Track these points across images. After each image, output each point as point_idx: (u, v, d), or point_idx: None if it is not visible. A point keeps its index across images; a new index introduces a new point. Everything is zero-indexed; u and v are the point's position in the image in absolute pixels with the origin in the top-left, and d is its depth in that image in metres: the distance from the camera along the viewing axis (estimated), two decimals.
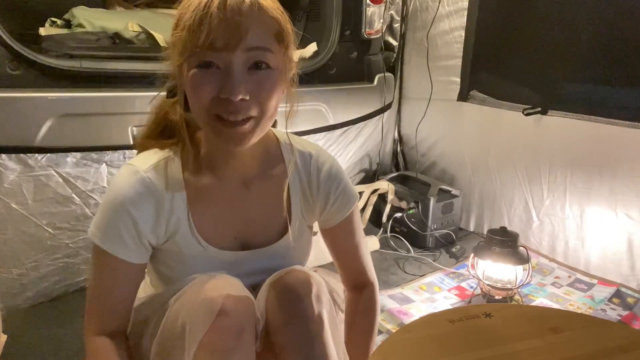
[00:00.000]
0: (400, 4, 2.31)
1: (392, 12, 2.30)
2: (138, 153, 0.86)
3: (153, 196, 0.79)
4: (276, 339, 0.79)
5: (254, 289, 0.86)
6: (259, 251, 0.88)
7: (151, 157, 0.82)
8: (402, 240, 2.09)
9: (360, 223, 1.00)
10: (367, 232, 2.13)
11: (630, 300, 1.62)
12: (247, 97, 0.70)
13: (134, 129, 1.56)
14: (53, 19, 1.80)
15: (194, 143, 0.83)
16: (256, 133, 0.75)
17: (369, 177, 2.44)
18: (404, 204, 2.12)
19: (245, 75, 0.70)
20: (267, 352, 0.79)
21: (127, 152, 1.55)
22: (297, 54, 0.82)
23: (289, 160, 0.88)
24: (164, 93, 0.84)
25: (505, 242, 1.55)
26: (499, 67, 2.10)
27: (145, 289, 0.94)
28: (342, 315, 0.99)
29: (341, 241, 0.97)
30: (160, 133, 0.86)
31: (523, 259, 1.55)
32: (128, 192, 0.77)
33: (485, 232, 1.92)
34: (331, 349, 0.79)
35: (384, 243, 2.07)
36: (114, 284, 0.81)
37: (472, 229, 2.22)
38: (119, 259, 0.78)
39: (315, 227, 0.99)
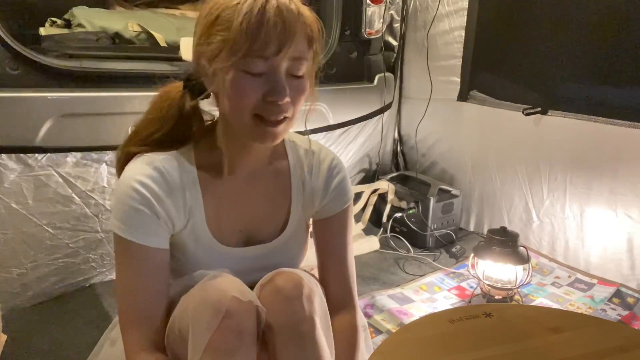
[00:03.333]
0: (400, 4, 2.31)
1: (392, 12, 2.29)
2: (120, 163, 0.83)
3: (167, 185, 0.80)
4: (269, 339, 0.79)
5: (251, 288, 0.86)
6: (261, 247, 0.90)
7: (161, 153, 0.82)
8: (402, 240, 2.09)
9: (352, 229, 0.99)
10: (367, 232, 2.13)
11: (630, 300, 1.62)
12: (289, 100, 0.75)
13: None
14: (53, 19, 1.80)
15: (207, 138, 0.84)
16: (286, 132, 0.80)
17: (369, 177, 2.44)
18: (404, 204, 2.12)
19: (286, 80, 0.74)
20: (261, 352, 0.79)
21: None
22: None
23: (292, 157, 0.92)
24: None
25: (505, 242, 1.55)
26: (499, 67, 2.10)
27: None
28: None
29: (329, 237, 0.96)
30: (164, 137, 0.82)
31: (523, 259, 1.55)
32: (143, 178, 0.78)
33: (485, 232, 1.92)
34: (324, 350, 0.79)
35: (384, 243, 2.07)
36: (144, 278, 0.79)
37: (472, 229, 2.22)
38: (144, 247, 0.78)
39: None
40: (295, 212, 0.92)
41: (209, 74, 0.76)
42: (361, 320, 1.06)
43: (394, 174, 2.36)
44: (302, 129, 0.88)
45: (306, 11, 0.75)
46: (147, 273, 0.79)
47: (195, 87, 0.80)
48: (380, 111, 2.33)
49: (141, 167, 0.79)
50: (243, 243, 0.90)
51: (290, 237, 0.92)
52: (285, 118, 0.76)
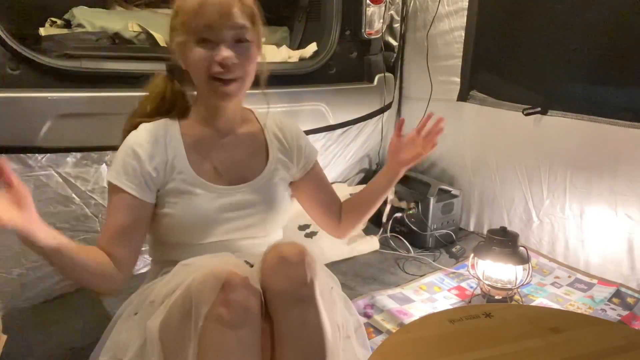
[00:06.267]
0: (400, 4, 2.31)
1: (392, 12, 2.29)
2: (126, 131, 1.04)
3: (155, 140, 1.00)
4: (270, 305, 0.85)
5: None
6: (246, 185, 1.06)
7: (155, 122, 1.04)
8: (402, 240, 2.09)
9: None
10: (367, 232, 2.13)
11: (630, 300, 1.62)
12: (236, 61, 0.95)
13: None
14: (53, 19, 1.80)
15: (189, 110, 1.08)
16: (241, 91, 1.01)
17: (369, 177, 2.44)
18: (404, 204, 2.12)
19: (233, 45, 0.96)
20: (263, 319, 0.85)
21: None
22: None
23: (263, 121, 1.15)
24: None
25: (505, 242, 1.55)
26: (499, 67, 2.10)
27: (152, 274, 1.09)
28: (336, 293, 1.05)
29: (318, 182, 1.22)
30: (155, 110, 1.06)
31: (523, 259, 1.55)
32: (134, 138, 1.00)
33: (485, 232, 1.92)
34: (322, 313, 0.85)
35: (384, 243, 2.07)
36: (120, 213, 0.97)
37: (472, 229, 2.22)
38: (125, 192, 0.97)
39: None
40: (273, 155, 1.11)
41: (179, 57, 1.00)
42: None
43: None
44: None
45: None
46: (122, 211, 0.97)
47: (175, 72, 1.06)
48: (380, 111, 2.33)
49: (136, 133, 1.02)
50: (227, 184, 1.05)
51: (272, 176, 1.10)
52: (237, 78, 0.97)
